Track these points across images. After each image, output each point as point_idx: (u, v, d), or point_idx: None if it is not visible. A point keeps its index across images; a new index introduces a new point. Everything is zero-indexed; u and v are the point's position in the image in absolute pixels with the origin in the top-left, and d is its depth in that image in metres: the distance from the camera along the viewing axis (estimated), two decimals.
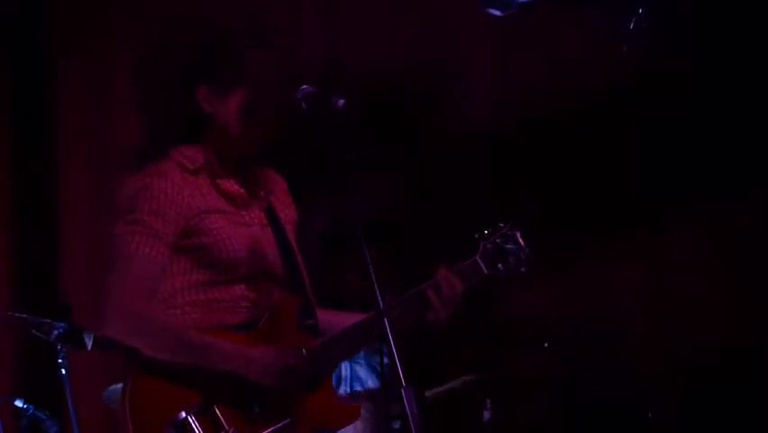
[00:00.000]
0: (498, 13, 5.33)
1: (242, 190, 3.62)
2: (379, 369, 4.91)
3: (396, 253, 5.17)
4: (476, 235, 3.77)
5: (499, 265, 3.74)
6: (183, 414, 3.32)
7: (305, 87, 3.40)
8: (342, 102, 3.35)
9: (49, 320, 4.65)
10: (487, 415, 5.04)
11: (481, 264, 3.72)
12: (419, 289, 3.66)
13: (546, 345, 5.41)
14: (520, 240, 3.76)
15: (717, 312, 5.72)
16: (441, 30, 5.90)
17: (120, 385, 3.57)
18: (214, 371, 3.42)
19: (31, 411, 4.77)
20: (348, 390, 4.92)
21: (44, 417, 4.82)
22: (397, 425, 3.24)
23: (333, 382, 4.90)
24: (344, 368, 4.93)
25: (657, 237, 5.81)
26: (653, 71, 5.74)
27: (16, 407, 4.80)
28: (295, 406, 3.51)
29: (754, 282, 5.70)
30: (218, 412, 3.39)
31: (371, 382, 4.94)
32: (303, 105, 3.39)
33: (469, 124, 5.85)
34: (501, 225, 3.79)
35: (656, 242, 5.81)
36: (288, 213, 3.77)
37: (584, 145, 5.76)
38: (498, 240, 3.75)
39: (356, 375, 4.94)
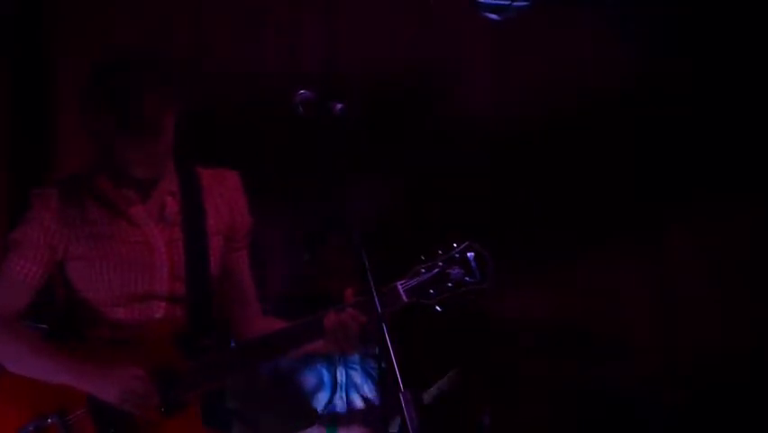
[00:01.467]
0: (496, 17, 5.34)
1: (141, 208, 3.51)
2: (374, 374, 4.92)
3: (395, 256, 5.16)
4: (422, 257, 3.45)
5: (431, 291, 3.39)
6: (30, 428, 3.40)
7: (302, 91, 3.37)
8: (339, 106, 3.33)
9: (46, 326, 4.64)
10: (487, 420, 5.04)
11: (401, 291, 3.41)
12: (317, 315, 3.40)
13: (545, 349, 5.40)
14: (472, 264, 3.42)
15: (717, 312, 5.72)
16: (441, 30, 5.90)
17: None
18: (69, 386, 3.41)
19: None
20: (344, 396, 4.91)
21: None
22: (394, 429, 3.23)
23: (328, 389, 4.95)
24: (340, 374, 4.92)
25: (657, 237, 5.81)
26: (653, 71, 5.75)
27: None
28: (148, 429, 3.40)
29: (754, 282, 5.71)
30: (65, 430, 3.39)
31: (367, 388, 4.93)
32: (300, 109, 3.37)
33: (469, 124, 5.84)
34: (455, 245, 3.45)
35: (656, 242, 5.81)
36: (223, 221, 3.59)
37: (584, 145, 5.77)
38: (440, 263, 3.43)
39: (351, 381, 4.93)
